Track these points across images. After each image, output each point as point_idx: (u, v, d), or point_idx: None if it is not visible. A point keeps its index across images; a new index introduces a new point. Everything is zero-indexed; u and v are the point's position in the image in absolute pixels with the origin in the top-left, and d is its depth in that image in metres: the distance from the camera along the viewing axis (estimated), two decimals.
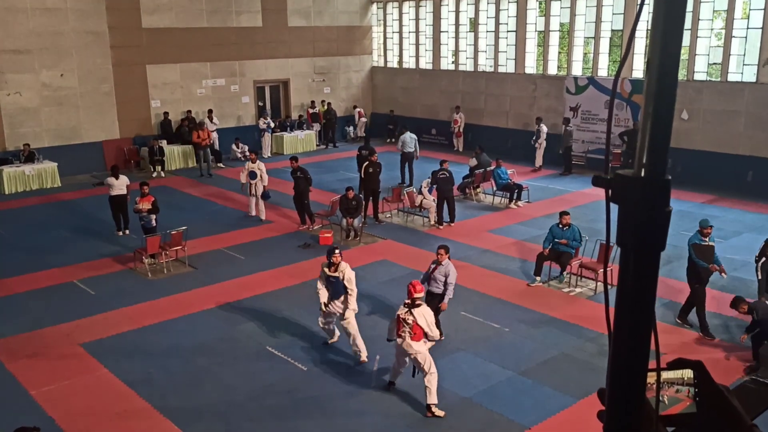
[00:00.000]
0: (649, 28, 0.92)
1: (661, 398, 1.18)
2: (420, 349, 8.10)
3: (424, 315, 8.13)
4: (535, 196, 17.34)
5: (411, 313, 8.10)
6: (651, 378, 1.11)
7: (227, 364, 9.41)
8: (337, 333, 9.83)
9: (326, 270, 9.44)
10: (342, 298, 9.37)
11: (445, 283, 9.62)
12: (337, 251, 9.48)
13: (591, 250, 12.33)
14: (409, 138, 18.77)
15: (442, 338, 9.08)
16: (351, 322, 9.30)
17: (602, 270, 11.50)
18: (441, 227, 15.25)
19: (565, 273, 12.09)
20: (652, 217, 0.92)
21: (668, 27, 0.88)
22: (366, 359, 9.29)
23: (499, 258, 13.36)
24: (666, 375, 1.20)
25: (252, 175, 15.97)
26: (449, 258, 9.80)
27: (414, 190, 16.04)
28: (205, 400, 8.48)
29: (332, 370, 9.16)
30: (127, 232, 14.99)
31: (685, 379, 1.20)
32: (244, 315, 10.93)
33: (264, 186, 16.00)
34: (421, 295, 8.31)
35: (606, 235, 0.99)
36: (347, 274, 9.36)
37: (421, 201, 15.61)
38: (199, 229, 14.84)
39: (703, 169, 18.31)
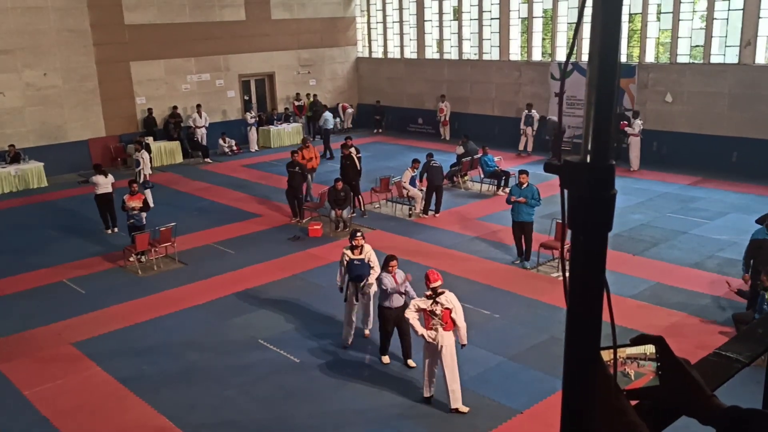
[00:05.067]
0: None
1: (625, 373, 1.24)
2: (451, 342, 7.79)
3: (452, 301, 7.78)
4: None
5: (437, 303, 7.75)
6: (608, 355, 1.16)
7: (219, 357, 9.46)
8: (350, 338, 9.57)
9: (350, 253, 9.28)
10: (365, 281, 9.31)
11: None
12: (359, 233, 9.36)
13: None
14: (329, 116, 22.28)
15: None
16: (370, 294, 9.43)
17: (566, 248, 11.70)
18: (426, 216, 15.31)
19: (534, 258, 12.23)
20: (597, 200, 0.97)
21: (606, 21, 0.93)
22: (369, 333, 9.60)
23: (488, 245, 13.45)
24: (629, 351, 1.26)
25: (136, 163, 16.64)
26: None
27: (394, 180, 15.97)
28: (197, 394, 8.53)
29: (324, 362, 9.22)
30: (116, 230, 14.96)
31: (648, 354, 1.26)
32: (235, 309, 10.97)
33: (146, 175, 16.50)
34: (440, 283, 7.86)
35: (562, 218, 1.04)
36: (372, 256, 9.26)
37: (408, 191, 15.63)
38: (188, 225, 14.85)
39: (687, 151, 18.46)
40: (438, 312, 7.71)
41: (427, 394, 8.11)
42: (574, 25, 1.02)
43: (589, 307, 1.00)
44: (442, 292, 7.82)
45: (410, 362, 8.94)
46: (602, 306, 1.02)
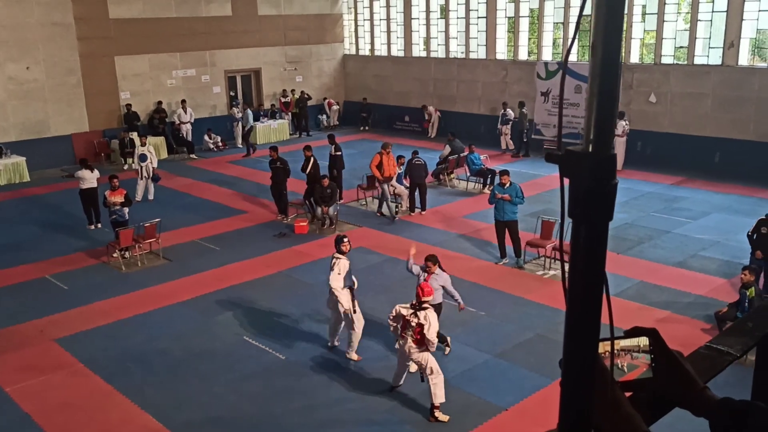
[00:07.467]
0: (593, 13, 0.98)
1: (619, 366, 1.25)
2: (420, 354, 7.84)
3: (429, 319, 7.72)
4: None
5: (416, 315, 7.71)
6: (604, 347, 1.17)
7: (205, 355, 9.41)
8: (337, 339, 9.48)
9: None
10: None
11: (446, 294, 9.08)
12: (345, 239, 9.10)
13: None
14: (249, 114, 22.89)
15: (448, 351, 9.08)
16: (359, 317, 9.05)
17: (567, 245, 11.79)
18: (412, 214, 15.34)
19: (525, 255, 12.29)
20: (599, 189, 0.97)
21: (609, 11, 0.93)
22: (357, 358, 9.10)
23: (474, 243, 13.49)
24: (623, 343, 1.27)
25: (142, 157, 16.64)
26: (439, 268, 9.08)
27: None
28: (183, 392, 8.48)
29: (310, 360, 9.20)
30: (99, 225, 14.83)
31: (641, 346, 1.27)
32: (220, 306, 10.91)
33: (153, 168, 16.66)
34: (431, 298, 7.90)
35: (561, 209, 1.04)
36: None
37: (395, 189, 15.63)
38: (173, 221, 14.73)
39: (671, 151, 18.61)
40: (413, 324, 7.74)
41: (394, 384, 8.37)
42: (575, 21, 1.02)
43: (590, 296, 1.00)
44: (427, 308, 7.79)
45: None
46: (602, 295, 1.02)
